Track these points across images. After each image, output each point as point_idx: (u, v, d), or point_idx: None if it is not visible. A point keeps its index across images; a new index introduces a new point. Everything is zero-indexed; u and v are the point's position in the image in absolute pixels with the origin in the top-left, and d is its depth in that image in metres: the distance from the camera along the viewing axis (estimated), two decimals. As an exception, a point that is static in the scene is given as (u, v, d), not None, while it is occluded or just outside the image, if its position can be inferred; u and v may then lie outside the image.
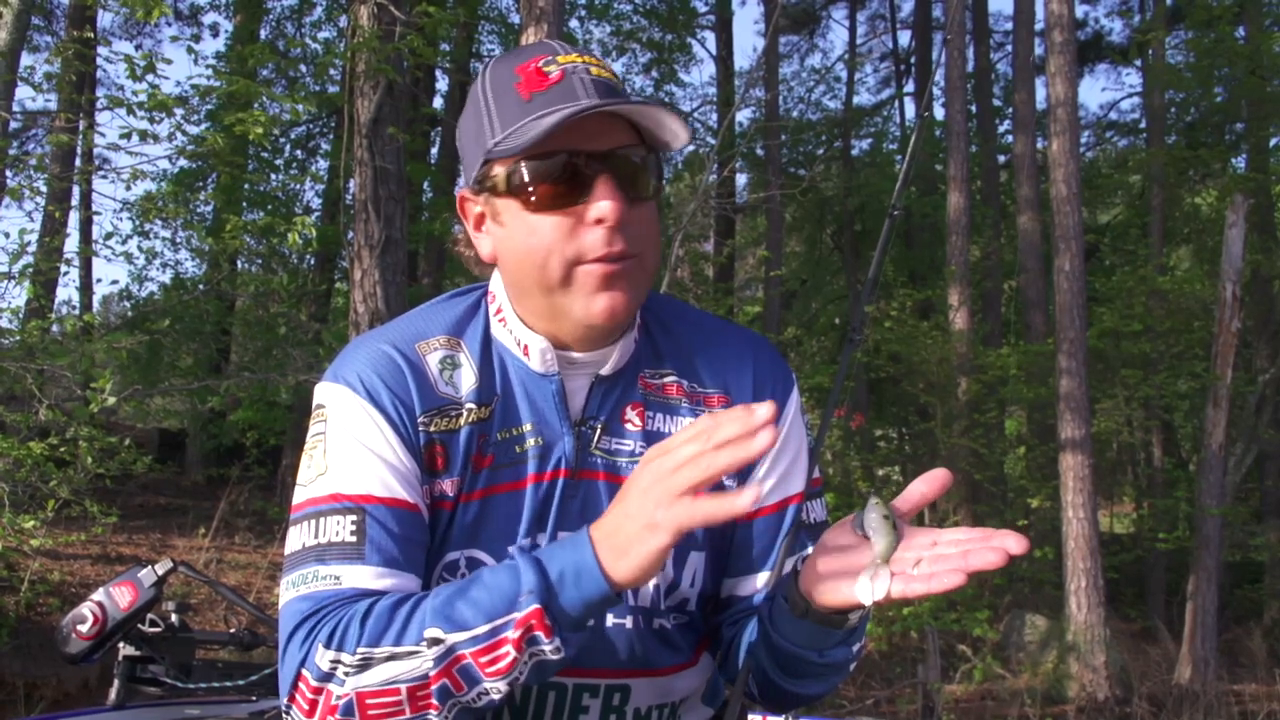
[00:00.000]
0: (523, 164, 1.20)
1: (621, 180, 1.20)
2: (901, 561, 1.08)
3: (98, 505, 7.40)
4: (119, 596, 2.11)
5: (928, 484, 1.13)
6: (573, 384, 1.30)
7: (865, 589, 1.07)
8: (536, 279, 1.23)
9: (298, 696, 1.14)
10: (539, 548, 1.12)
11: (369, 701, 1.10)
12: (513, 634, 1.06)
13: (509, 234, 1.25)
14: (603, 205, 1.18)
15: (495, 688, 1.08)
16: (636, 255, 1.22)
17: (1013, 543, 1.03)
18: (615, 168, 1.20)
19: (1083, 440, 10.08)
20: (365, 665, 1.10)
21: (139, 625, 2.18)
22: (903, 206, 1.65)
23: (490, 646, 1.07)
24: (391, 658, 1.09)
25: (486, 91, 1.25)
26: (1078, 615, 9.83)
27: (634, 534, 1.04)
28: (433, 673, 1.08)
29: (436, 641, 1.08)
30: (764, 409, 0.98)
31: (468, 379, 1.29)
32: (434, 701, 1.09)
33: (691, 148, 20.47)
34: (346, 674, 1.10)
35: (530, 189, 1.20)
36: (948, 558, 1.06)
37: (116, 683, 2.19)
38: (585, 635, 1.11)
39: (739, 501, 0.98)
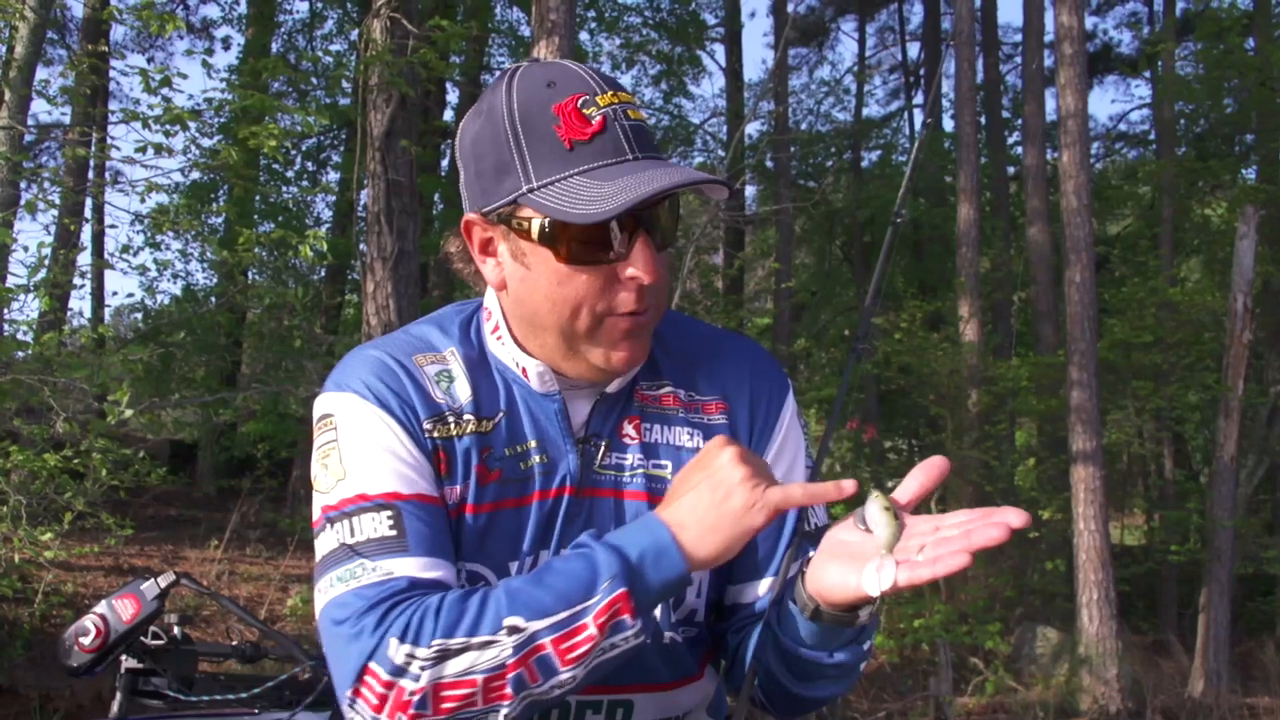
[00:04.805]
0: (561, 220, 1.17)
1: (654, 236, 1.21)
2: (905, 550, 1.07)
3: (112, 518, 7.42)
4: (121, 609, 2.11)
5: (925, 473, 1.12)
6: (574, 402, 1.31)
7: (871, 580, 1.06)
8: (558, 325, 1.23)
9: (365, 691, 1.11)
10: (588, 545, 1.14)
11: (444, 694, 1.10)
12: (595, 619, 1.08)
13: (534, 278, 1.22)
14: (640, 267, 1.18)
15: (571, 677, 1.10)
16: (656, 304, 1.25)
17: (1013, 517, 1.01)
18: (651, 225, 1.20)
19: (1093, 452, 10.04)
20: (442, 658, 1.09)
21: (141, 638, 2.19)
22: (907, 214, 1.65)
23: (570, 633, 1.08)
24: (467, 648, 1.09)
25: (515, 119, 1.19)
26: (1089, 628, 9.78)
27: (732, 512, 1.11)
28: (510, 661, 1.09)
29: (516, 630, 1.09)
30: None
31: (463, 392, 1.29)
32: (508, 691, 1.10)
33: (703, 159, 20.51)
34: (422, 668, 1.09)
35: (568, 245, 1.19)
36: (950, 540, 1.04)
37: (118, 695, 2.21)
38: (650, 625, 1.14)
39: (844, 488, 1.11)
